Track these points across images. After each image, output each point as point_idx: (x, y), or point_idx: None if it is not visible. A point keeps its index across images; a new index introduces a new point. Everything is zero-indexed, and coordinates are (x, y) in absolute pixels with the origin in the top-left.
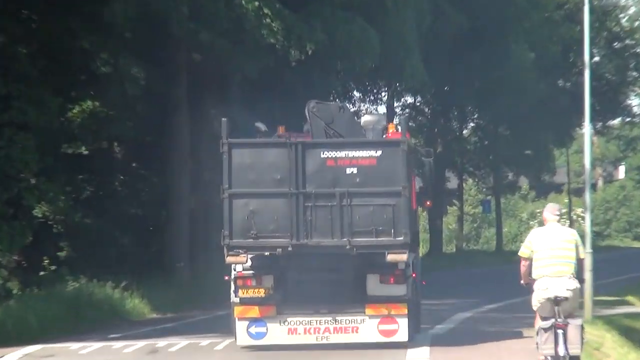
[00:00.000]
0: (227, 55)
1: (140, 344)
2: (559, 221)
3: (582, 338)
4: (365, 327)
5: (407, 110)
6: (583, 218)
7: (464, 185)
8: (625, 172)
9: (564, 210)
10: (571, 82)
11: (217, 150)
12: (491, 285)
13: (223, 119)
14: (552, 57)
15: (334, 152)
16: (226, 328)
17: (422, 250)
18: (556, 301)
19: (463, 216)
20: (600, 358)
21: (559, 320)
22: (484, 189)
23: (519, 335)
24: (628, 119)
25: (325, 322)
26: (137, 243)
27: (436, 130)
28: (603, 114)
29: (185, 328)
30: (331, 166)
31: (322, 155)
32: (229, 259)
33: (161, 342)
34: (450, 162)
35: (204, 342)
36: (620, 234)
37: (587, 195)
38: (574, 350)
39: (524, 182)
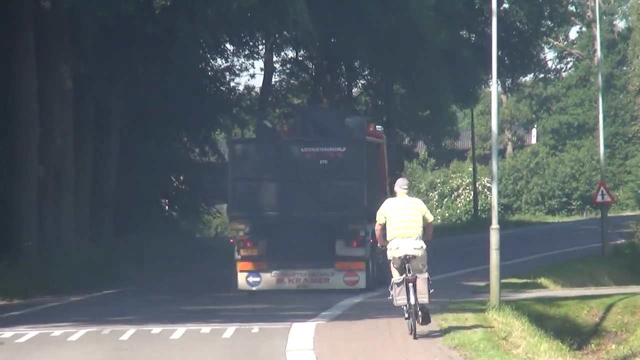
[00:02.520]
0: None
1: None
2: (407, 193)
3: (429, 289)
4: (334, 278)
5: (288, 65)
6: (489, 189)
7: None
8: (538, 136)
9: (468, 180)
10: (477, 32)
11: (69, 110)
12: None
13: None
14: (455, 3)
15: (310, 148)
16: (83, 315)
17: None
18: (406, 258)
19: None
20: (509, 349)
21: (408, 275)
22: None
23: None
24: (542, 76)
25: (304, 275)
26: None
27: (321, 88)
28: (513, 70)
29: (35, 316)
30: (309, 158)
31: (302, 150)
32: (232, 225)
33: (7, 333)
34: None
35: (57, 332)
36: (532, 207)
37: (494, 163)
38: (423, 299)
39: (422, 148)
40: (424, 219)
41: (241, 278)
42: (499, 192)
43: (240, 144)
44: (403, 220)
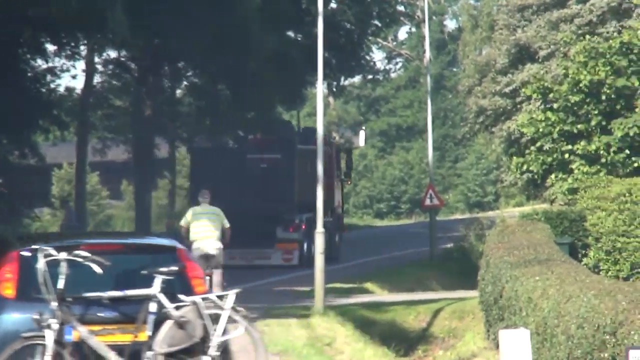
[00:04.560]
0: None
1: None
2: (209, 202)
3: (223, 282)
4: (274, 256)
5: (110, 66)
6: None
7: (176, 154)
8: (366, 139)
9: None
10: (304, 33)
11: None
12: None
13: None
14: (282, 4)
15: (254, 155)
16: None
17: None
18: (207, 257)
19: (175, 190)
20: (333, 355)
21: (207, 270)
22: None
23: None
24: (370, 77)
25: (252, 253)
26: None
27: (144, 90)
28: (340, 71)
29: None
30: (253, 163)
31: (248, 156)
32: None
33: None
34: (161, 127)
35: None
36: (360, 211)
37: (319, 165)
38: (217, 291)
39: None
40: (222, 225)
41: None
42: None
43: (199, 151)
44: (203, 225)
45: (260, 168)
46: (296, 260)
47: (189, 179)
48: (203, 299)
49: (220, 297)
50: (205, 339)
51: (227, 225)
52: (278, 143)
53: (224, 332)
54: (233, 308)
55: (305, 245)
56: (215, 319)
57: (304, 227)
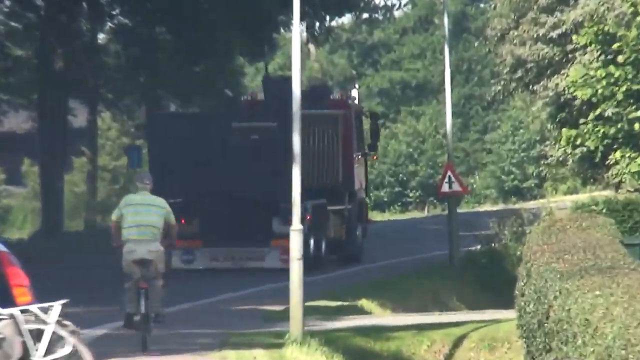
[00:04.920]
0: None
1: None
2: (150, 190)
3: (163, 296)
4: (270, 257)
5: (6, 3)
6: None
7: (98, 122)
8: (361, 101)
9: None
10: None
11: None
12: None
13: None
14: None
15: (241, 122)
16: None
17: (30, 228)
18: (141, 262)
19: (97, 173)
20: None
21: (142, 280)
22: (132, 129)
23: None
24: (365, 16)
25: (240, 253)
26: None
27: (54, 34)
28: (324, 8)
29: None
30: (240, 133)
31: (234, 124)
32: None
33: None
34: (77, 86)
35: None
36: None
37: (296, 139)
38: (155, 308)
39: None
40: (166, 221)
41: (175, 257)
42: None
43: (163, 117)
44: (139, 221)
45: (251, 140)
46: None
47: (149, 159)
48: (22, 311)
49: (44, 310)
50: (24, 359)
51: (173, 221)
52: (273, 106)
53: (48, 351)
54: (59, 322)
55: (311, 242)
56: (37, 335)
57: (309, 217)
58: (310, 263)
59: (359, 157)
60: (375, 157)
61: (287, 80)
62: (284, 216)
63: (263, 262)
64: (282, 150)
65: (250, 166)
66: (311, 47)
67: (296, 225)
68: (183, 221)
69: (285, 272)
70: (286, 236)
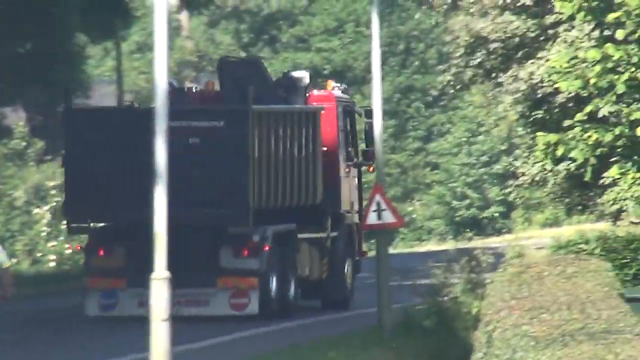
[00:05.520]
0: None
1: None
2: None
3: None
4: (217, 300)
5: None
6: None
7: None
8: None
9: None
10: None
11: None
12: None
13: None
14: None
15: (177, 122)
16: None
17: None
18: None
19: None
20: None
21: None
22: None
23: None
24: None
25: (178, 296)
26: None
27: None
28: None
29: None
30: (176, 135)
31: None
32: (72, 228)
33: None
34: None
35: None
36: None
37: (161, 150)
38: None
39: (20, 120)
40: None
41: (91, 300)
42: None
43: (81, 114)
44: None
45: (190, 145)
46: (255, 306)
47: (63, 164)
48: None
49: None
50: None
51: (6, 263)
52: (233, 99)
53: None
54: None
55: (272, 280)
56: None
57: (266, 248)
58: (272, 310)
59: (350, 168)
60: (371, 169)
61: (254, 63)
62: (236, 245)
63: (208, 306)
64: (232, 157)
65: (190, 180)
66: (183, 17)
67: (161, 271)
68: (102, 252)
69: (238, 320)
70: (238, 272)
